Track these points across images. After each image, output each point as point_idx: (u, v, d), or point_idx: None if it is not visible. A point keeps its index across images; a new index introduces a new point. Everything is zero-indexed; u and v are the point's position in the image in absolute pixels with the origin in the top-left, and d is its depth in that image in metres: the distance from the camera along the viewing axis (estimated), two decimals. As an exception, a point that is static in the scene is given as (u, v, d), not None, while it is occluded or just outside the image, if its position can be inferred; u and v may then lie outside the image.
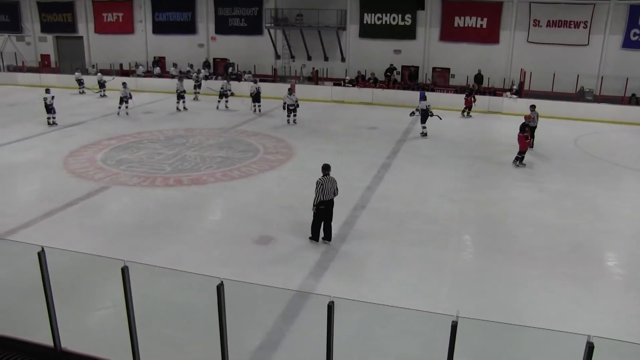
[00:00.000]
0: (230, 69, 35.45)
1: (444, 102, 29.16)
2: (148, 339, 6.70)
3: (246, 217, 13.41)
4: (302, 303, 9.34)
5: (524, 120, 19.42)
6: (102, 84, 32.98)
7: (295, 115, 24.90)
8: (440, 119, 23.38)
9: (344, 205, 13.96)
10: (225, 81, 30.14)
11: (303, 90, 31.50)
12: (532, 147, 20.46)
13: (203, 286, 6.71)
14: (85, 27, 42.05)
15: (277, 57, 36.79)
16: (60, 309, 6.46)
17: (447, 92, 31.16)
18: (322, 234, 11.80)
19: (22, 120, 24.95)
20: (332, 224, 11.89)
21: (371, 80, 32.80)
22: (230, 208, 14.51)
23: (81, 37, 42.43)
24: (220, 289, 5.56)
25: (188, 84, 30.65)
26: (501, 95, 29.85)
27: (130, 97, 26.86)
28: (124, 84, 27.27)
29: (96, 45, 42.02)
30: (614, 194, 16.06)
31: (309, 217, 11.88)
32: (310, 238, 11.83)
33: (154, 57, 39.68)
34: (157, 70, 37.45)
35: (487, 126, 25.71)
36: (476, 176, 17.46)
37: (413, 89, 31.39)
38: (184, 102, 28.64)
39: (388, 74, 33.28)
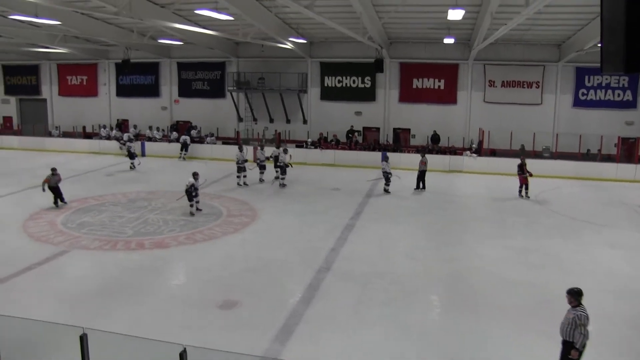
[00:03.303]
0: (193, 132, 35.48)
1: (405, 161, 29.52)
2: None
3: (210, 281, 13.25)
4: (268, 369, 9.20)
5: (519, 162, 22.96)
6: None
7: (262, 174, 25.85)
8: (399, 177, 24.05)
9: (308, 267, 13.95)
10: (281, 150, 26.35)
11: (266, 153, 31.59)
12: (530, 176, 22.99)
13: (166, 353, 6.58)
14: (49, 89, 41.94)
15: (240, 119, 37.04)
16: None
17: (408, 152, 31.58)
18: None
19: (-20, 184, 24.54)
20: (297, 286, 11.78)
21: (333, 142, 33.12)
22: (193, 272, 14.32)
23: (45, 100, 42.27)
24: (183, 355, 5.48)
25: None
26: (461, 154, 30.36)
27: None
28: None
29: (59, 107, 41.86)
30: (577, 249, 16.32)
31: (274, 279, 11.76)
32: None
33: (117, 120, 39.60)
34: (117, 133, 37.12)
35: (449, 184, 26.03)
36: (440, 234, 17.60)
37: (373, 150, 31.73)
38: (245, 176, 25.33)
39: (350, 135, 33.67)
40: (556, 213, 20.81)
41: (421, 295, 12.61)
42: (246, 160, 25.49)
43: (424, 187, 24.63)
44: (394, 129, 34.45)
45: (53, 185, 20.10)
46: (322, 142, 33.06)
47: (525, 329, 10.76)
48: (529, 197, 22.75)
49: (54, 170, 20.44)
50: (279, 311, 11.43)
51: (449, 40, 27.85)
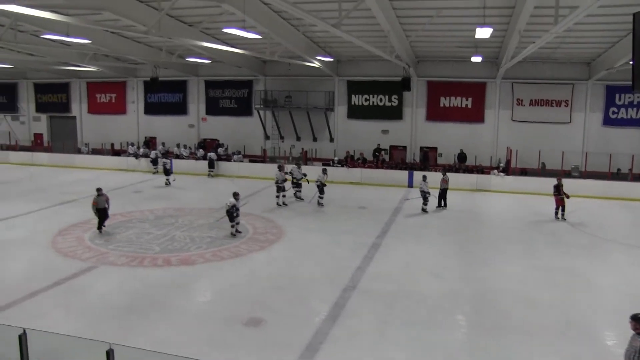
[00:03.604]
0: (220, 149, 35.68)
1: (431, 180, 29.34)
2: None
3: (235, 298, 13.23)
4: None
5: (556, 182, 22.65)
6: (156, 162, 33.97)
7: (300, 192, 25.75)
8: (436, 197, 24.15)
9: (334, 286, 13.88)
10: (295, 166, 26.83)
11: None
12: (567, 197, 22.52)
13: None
14: (78, 107, 42.55)
15: (267, 137, 37.18)
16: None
17: (435, 170, 31.38)
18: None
19: (11, 198, 24.89)
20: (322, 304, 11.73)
21: (360, 160, 33.07)
22: (219, 289, 14.32)
23: (74, 117, 42.88)
24: (208, 373, 5.45)
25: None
26: (489, 173, 30.13)
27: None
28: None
29: (89, 124, 42.42)
30: (606, 269, 16.03)
31: (300, 297, 11.72)
32: None
33: (145, 137, 39.99)
34: (144, 150, 37.42)
35: (476, 204, 25.84)
36: (466, 253, 17.42)
37: (401, 169, 31.62)
38: (284, 195, 24.96)
39: (377, 153, 33.61)
40: (585, 233, 20.52)
41: (447, 315, 12.46)
42: (285, 180, 25.10)
43: (445, 205, 24.58)
44: (421, 148, 34.29)
45: (101, 207, 19.14)
46: (349, 161, 33.02)
47: (552, 351, 10.57)
48: (565, 219, 22.19)
49: (99, 190, 19.40)
50: (304, 329, 11.36)
51: (476, 59, 27.72)
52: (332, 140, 35.88)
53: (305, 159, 34.01)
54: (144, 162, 35.01)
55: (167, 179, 29.95)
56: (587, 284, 14.67)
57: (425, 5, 20.98)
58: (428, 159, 33.15)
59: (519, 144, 31.20)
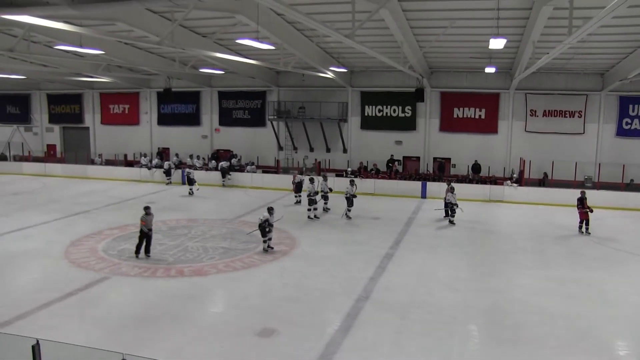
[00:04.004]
0: (234, 160, 35.74)
1: (444, 191, 29.41)
2: None
3: (248, 309, 13.20)
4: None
5: (580, 195, 22.15)
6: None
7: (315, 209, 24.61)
8: (462, 211, 23.85)
9: (347, 296, 13.83)
10: (321, 178, 26.44)
11: (305, 181, 31.77)
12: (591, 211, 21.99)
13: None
14: (91, 118, 42.83)
15: (280, 148, 37.24)
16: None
17: (448, 182, 31.37)
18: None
19: (25, 209, 25.01)
20: (335, 315, 11.69)
21: (373, 171, 33.03)
22: (232, 300, 14.29)
23: (87, 128, 43.15)
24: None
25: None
26: (502, 184, 30.00)
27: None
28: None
29: (102, 135, 42.69)
30: (620, 280, 15.88)
31: (313, 308, 11.67)
32: None
33: (158, 148, 40.17)
34: (157, 161, 37.53)
35: (489, 214, 25.72)
36: (480, 265, 17.31)
37: (414, 180, 31.55)
38: (315, 209, 24.41)
39: (390, 164, 33.55)
40: (599, 244, 20.36)
41: (460, 326, 12.37)
42: (317, 192, 24.90)
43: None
44: (434, 158, 34.20)
45: (148, 228, 17.23)
46: (362, 171, 32.98)
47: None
48: (589, 233, 21.65)
49: (147, 209, 17.60)
50: (317, 340, 11.31)
51: (490, 70, 27.66)
52: (345, 151, 35.86)
53: (318, 170, 34.00)
54: (157, 173, 35.12)
55: (190, 189, 30.27)
56: (601, 295, 14.55)
57: (439, 16, 20.96)
58: (444, 170, 33.02)
59: (532, 154, 31.06)
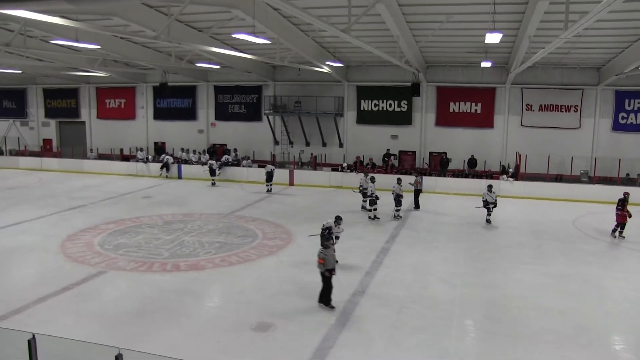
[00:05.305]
0: (226, 156, 35.64)
1: (441, 186, 29.49)
2: None
3: (244, 304, 13.21)
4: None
5: (622, 197, 20.53)
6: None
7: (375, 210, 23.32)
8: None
9: (343, 290, 13.83)
10: (363, 176, 25.37)
11: (302, 176, 31.84)
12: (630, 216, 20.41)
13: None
14: (87, 112, 42.76)
15: (276, 142, 37.23)
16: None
17: (445, 176, 31.41)
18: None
19: (21, 204, 24.98)
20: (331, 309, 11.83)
21: (369, 166, 33.03)
22: (228, 294, 14.30)
23: (83, 122, 43.08)
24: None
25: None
26: (498, 178, 30.03)
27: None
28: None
29: (97, 130, 42.63)
30: (617, 275, 15.92)
31: (309, 302, 11.69)
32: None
33: (155, 142, 40.14)
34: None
35: (485, 209, 25.67)
36: (476, 259, 17.34)
37: (410, 174, 31.49)
38: (375, 209, 23.07)
39: (386, 159, 33.57)
40: (595, 239, 20.42)
41: (457, 321, 12.39)
42: (377, 197, 23.14)
43: (418, 207, 25.24)
44: (430, 153, 34.23)
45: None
46: (358, 166, 32.99)
47: (563, 357, 10.50)
48: (623, 237, 20.27)
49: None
50: (313, 335, 11.33)
51: (486, 64, 27.70)
52: (341, 145, 35.88)
53: (314, 164, 34.00)
54: (153, 167, 35.08)
55: (213, 180, 31.01)
56: (598, 290, 14.60)
57: (435, 10, 20.96)
58: (447, 165, 32.82)
59: (528, 149, 31.10)
